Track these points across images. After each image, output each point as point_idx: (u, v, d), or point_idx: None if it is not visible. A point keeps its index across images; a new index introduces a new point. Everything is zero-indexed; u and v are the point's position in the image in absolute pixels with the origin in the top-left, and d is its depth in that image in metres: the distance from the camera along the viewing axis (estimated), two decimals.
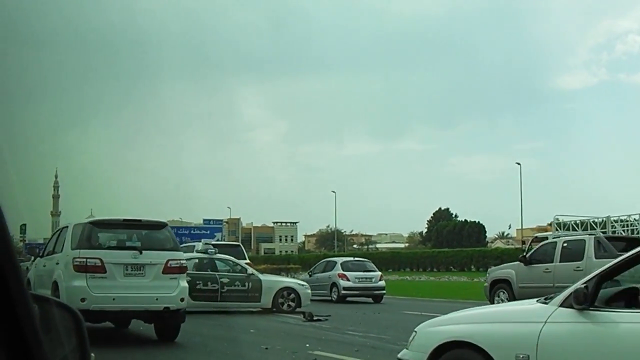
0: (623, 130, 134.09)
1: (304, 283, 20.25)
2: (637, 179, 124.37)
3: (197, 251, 20.09)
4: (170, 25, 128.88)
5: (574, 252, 17.78)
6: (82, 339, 2.05)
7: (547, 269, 18.05)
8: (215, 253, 19.75)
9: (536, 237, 24.77)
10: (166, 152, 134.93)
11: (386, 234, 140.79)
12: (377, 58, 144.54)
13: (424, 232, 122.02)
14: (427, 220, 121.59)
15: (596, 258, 16.67)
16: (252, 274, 19.51)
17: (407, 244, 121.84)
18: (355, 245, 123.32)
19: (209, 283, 18.86)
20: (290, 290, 19.60)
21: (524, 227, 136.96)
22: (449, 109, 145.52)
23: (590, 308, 4.95)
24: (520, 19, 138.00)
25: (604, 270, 5.05)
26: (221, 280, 18.97)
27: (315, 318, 17.13)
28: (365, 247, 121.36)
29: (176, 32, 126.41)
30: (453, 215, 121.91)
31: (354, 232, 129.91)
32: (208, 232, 53.21)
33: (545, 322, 5.13)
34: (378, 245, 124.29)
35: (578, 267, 16.96)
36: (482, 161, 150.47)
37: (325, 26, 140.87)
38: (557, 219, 41.51)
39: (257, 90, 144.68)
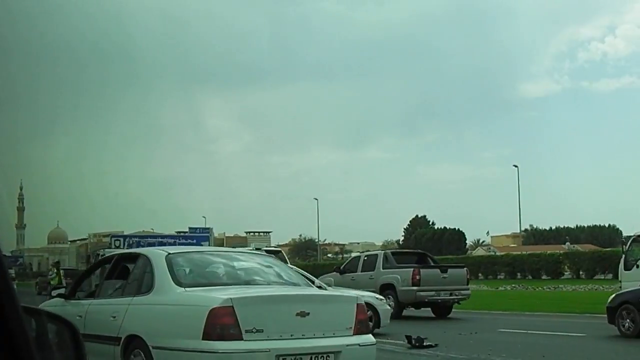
0: (586, 137, 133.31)
1: (381, 297, 15.75)
2: (601, 185, 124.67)
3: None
4: (135, 39, 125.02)
5: (370, 264, 21.98)
6: (80, 353, 2.08)
7: (352, 277, 21.70)
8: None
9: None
10: (131, 163, 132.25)
11: (358, 243, 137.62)
12: (342, 67, 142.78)
13: (400, 240, 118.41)
14: (404, 228, 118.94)
15: (383, 269, 21.41)
16: (320, 286, 14.94)
17: None
18: (329, 255, 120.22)
19: None
20: (367, 306, 15.08)
21: (498, 235, 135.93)
22: (415, 117, 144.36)
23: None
24: (485, 28, 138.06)
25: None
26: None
27: (425, 344, 12.75)
28: (340, 256, 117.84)
29: (141, 46, 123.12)
30: (430, 223, 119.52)
31: (327, 242, 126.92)
32: (194, 241, 49.02)
33: None
34: (353, 254, 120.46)
35: (371, 276, 21.38)
36: (449, 169, 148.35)
37: (289, 36, 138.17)
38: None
39: (222, 100, 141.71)
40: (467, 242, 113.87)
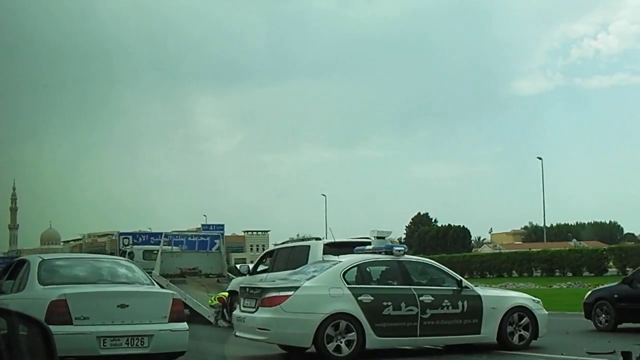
0: (580, 134, 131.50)
1: (537, 298, 12.68)
2: (598, 181, 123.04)
3: (370, 250, 12.37)
4: (125, 37, 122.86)
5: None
6: (51, 353, 2.14)
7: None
8: (404, 253, 12.08)
9: None
10: (124, 163, 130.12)
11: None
12: (335, 65, 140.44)
13: (402, 238, 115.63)
14: (406, 226, 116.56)
15: None
16: (466, 286, 11.90)
17: None
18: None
19: (403, 305, 11.20)
20: (522, 310, 12.06)
21: (499, 232, 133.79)
22: (409, 114, 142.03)
23: None
24: (478, 25, 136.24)
25: None
26: (422, 299, 11.32)
27: None
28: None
29: (131, 43, 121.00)
30: (433, 221, 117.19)
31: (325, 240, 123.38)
32: (207, 239, 46.10)
33: None
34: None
35: None
36: (443, 167, 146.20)
37: (281, 34, 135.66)
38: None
39: (214, 99, 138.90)
40: (471, 239, 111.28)
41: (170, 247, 24.39)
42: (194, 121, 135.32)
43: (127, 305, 8.90)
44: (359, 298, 11.05)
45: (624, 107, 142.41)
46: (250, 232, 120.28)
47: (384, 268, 11.92)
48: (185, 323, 9.45)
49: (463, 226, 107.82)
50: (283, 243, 17.38)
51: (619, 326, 14.79)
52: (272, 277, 15.63)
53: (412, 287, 11.54)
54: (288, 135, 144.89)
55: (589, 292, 16.11)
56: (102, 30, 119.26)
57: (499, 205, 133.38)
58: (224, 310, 17.96)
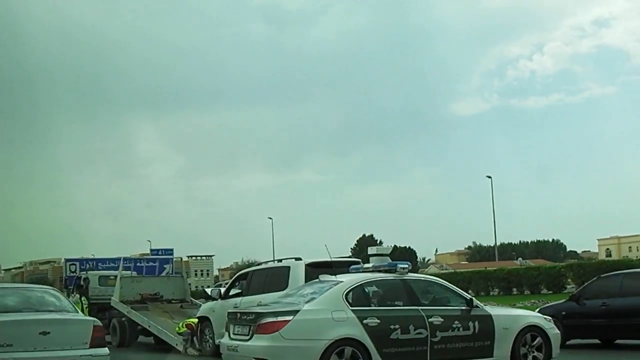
0: (517, 154, 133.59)
1: (548, 317, 11.84)
2: (537, 200, 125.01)
3: (371, 269, 11.35)
4: (62, 61, 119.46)
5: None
6: None
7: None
8: (408, 271, 11.09)
9: None
10: (62, 190, 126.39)
11: None
12: (273, 89, 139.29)
13: None
14: (351, 248, 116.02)
15: None
16: (477, 306, 10.99)
17: None
18: None
19: (412, 328, 10.22)
20: (535, 330, 11.21)
21: (443, 252, 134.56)
22: (346, 137, 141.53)
23: None
24: (415, 47, 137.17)
25: None
26: (431, 321, 10.35)
27: None
28: None
29: (68, 68, 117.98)
30: (378, 242, 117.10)
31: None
32: (157, 263, 45.10)
33: None
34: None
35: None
36: (382, 189, 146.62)
37: (220, 59, 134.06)
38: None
39: (153, 124, 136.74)
40: (417, 260, 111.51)
41: (129, 272, 23.15)
42: (133, 147, 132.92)
43: (49, 333, 9.32)
44: (365, 321, 10.05)
45: (561, 126, 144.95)
46: (194, 257, 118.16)
47: (388, 288, 10.89)
48: (106, 349, 9.98)
49: (409, 247, 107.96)
50: (259, 264, 16.23)
51: (567, 343, 14.29)
52: (247, 301, 14.55)
53: (420, 307, 10.60)
54: (227, 160, 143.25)
55: (537, 309, 15.63)
56: (39, 58, 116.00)
57: (442, 226, 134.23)
58: (194, 338, 16.76)
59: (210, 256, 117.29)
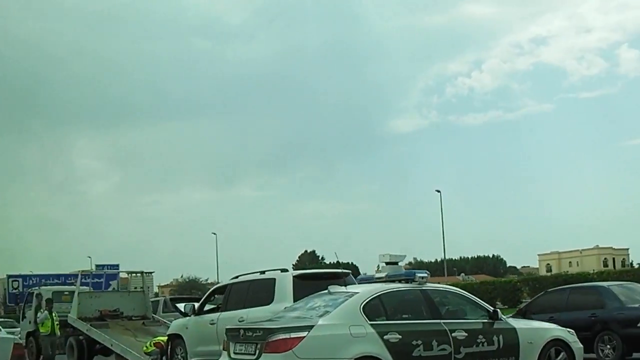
0: (456, 170, 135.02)
1: (570, 329, 11.03)
2: (477, 216, 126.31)
3: (385, 278, 10.35)
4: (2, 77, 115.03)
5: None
6: None
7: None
8: (427, 280, 10.11)
9: None
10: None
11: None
12: (214, 104, 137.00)
13: None
14: (293, 264, 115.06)
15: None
16: (501, 319, 10.09)
17: None
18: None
19: (435, 344, 9.24)
20: (559, 344, 10.40)
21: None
22: (287, 154, 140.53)
23: None
24: (356, 65, 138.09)
25: None
26: (454, 335, 9.40)
27: None
28: None
29: (2, 83, 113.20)
30: (320, 258, 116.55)
31: (209, 281, 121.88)
32: (102, 279, 43.54)
33: None
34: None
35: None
36: (323, 205, 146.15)
37: (160, 74, 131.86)
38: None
39: (90, 139, 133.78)
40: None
41: (87, 288, 21.87)
42: (72, 162, 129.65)
43: None
44: (385, 337, 9.01)
45: (499, 142, 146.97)
46: (134, 274, 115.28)
47: (407, 299, 9.88)
48: None
49: (352, 263, 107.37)
50: (237, 277, 15.05)
51: None
52: (227, 317, 13.38)
53: (442, 321, 9.62)
54: (167, 175, 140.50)
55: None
56: None
57: (384, 242, 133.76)
58: (163, 358, 15.52)
59: (150, 273, 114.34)
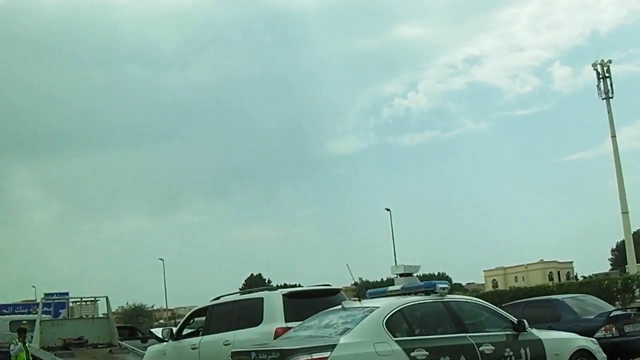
0: (395, 191, 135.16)
1: (594, 339, 10.52)
2: (420, 235, 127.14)
3: (400, 291, 9.64)
4: None
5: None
6: None
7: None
8: (447, 291, 9.45)
9: None
10: None
11: (185, 307, 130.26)
12: (151, 132, 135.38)
13: None
14: (240, 288, 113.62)
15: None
16: (526, 330, 9.49)
17: None
18: (162, 320, 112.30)
19: (463, 359, 8.57)
20: (585, 355, 9.88)
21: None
22: (225, 179, 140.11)
23: None
24: (292, 89, 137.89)
25: None
26: (482, 349, 8.76)
27: None
28: (173, 321, 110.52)
29: None
30: (266, 281, 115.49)
31: (155, 307, 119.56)
32: (51, 308, 41.42)
33: None
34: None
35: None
36: (263, 229, 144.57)
37: (97, 102, 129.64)
38: None
39: (27, 169, 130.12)
40: None
41: (49, 316, 20.65)
42: (9, 193, 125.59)
43: None
44: (412, 354, 8.35)
45: (437, 162, 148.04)
46: (79, 303, 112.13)
47: (430, 312, 9.23)
48: None
49: (299, 284, 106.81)
50: (218, 297, 14.16)
51: None
52: (210, 340, 12.57)
53: (468, 334, 8.96)
54: (106, 204, 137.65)
55: None
56: None
57: (328, 264, 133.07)
58: None
59: (95, 300, 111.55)
